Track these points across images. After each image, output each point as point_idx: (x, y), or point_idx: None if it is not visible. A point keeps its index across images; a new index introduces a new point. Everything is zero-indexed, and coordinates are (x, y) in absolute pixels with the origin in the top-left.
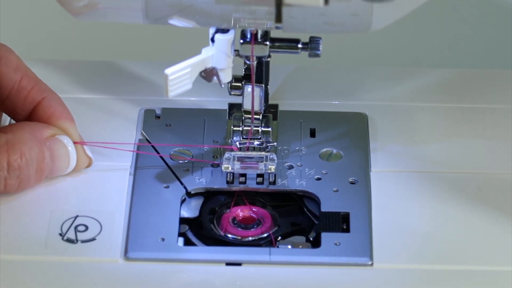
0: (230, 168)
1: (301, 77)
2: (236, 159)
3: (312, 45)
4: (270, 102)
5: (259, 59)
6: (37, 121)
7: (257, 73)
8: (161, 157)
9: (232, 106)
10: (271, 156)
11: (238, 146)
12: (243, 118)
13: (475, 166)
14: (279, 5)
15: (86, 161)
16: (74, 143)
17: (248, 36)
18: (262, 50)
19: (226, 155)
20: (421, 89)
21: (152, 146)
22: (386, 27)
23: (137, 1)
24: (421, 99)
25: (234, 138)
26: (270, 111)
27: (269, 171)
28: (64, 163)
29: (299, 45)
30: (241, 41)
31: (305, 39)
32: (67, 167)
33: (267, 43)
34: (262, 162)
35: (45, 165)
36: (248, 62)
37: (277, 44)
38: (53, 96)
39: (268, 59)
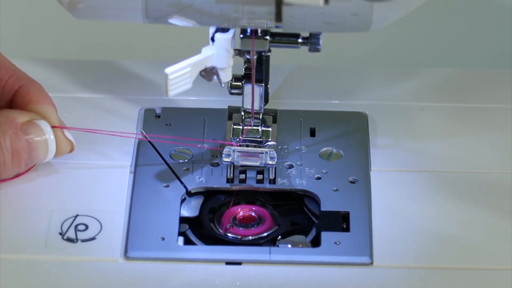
0: (230, 158)
1: (301, 77)
2: (236, 151)
3: (312, 40)
4: (270, 102)
5: (259, 54)
6: (15, 108)
7: (257, 72)
8: (161, 156)
9: (232, 110)
10: (271, 152)
11: (238, 144)
12: (243, 117)
13: (475, 166)
14: (279, 4)
15: (67, 145)
16: (52, 127)
17: (249, 30)
18: (262, 44)
19: (226, 148)
20: (421, 89)
21: (152, 145)
22: (386, 27)
23: (137, 0)
24: (421, 98)
25: (234, 137)
26: (270, 115)
27: (270, 162)
28: (42, 148)
29: (299, 40)
30: (241, 35)
31: (306, 34)
32: (47, 152)
33: (267, 37)
34: (262, 154)
35: (21, 149)
36: (248, 57)
37: (277, 38)
38: (31, 83)
39: (268, 54)
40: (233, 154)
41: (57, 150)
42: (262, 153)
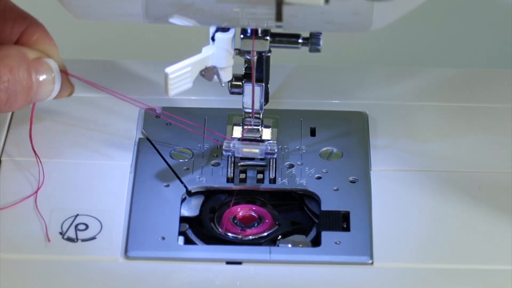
0: (231, 146)
1: (301, 77)
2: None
3: (312, 40)
4: (270, 101)
5: (260, 54)
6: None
7: (257, 72)
8: (162, 156)
9: (232, 116)
10: (271, 142)
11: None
12: (244, 117)
13: (476, 165)
14: (279, 4)
15: (68, 89)
16: (61, 71)
17: (249, 31)
18: (262, 45)
19: (226, 141)
20: (421, 89)
21: (152, 145)
22: (386, 26)
23: (137, 0)
24: (421, 98)
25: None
26: (270, 118)
27: (270, 151)
28: (49, 85)
29: (300, 40)
30: (242, 36)
31: (306, 34)
32: (52, 90)
33: (268, 38)
34: (263, 144)
35: (32, 83)
36: (248, 57)
37: (277, 39)
38: (36, 24)
39: (269, 54)
40: (233, 144)
41: (60, 90)
42: (264, 141)
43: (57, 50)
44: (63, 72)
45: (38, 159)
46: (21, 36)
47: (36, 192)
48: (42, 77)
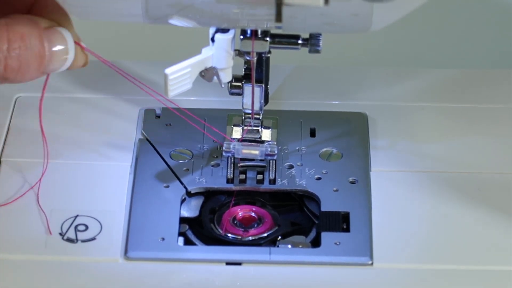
0: (231, 147)
1: (301, 77)
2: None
3: (312, 41)
4: (270, 102)
5: (259, 55)
6: None
7: (257, 73)
8: (161, 157)
9: (231, 117)
10: (271, 143)
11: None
12: (243, 118)
13: (475, 166)
14: (279, 5)
15: (82, 59)
16: (75, 42)
17: (249, 32)
18: (262, 46)
19: (226, 142)
20: (421, 89)
21: (152, 145)
22: (386, 27)
23: (137, 1)
24: (421, 99)
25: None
26: (270, 119)
27: (270, 152)
28: (62, 55)
29: (299, 41)
30: (241, 37)
31: (305, 35)
32: (65, 60)
33: (267, 39)
34: (263, 145)
35: (44, 52)
36: (248, 58)
37: (277, 40)
38: None
39: (268, 55)
40: (233, 145)
41: (73, 61)
42: (263, 142)
43: (70, 21)
44: (77, 43)
45: (44, 138)
46: (33, 6)
47: (37, 193)
48: (54, 47)
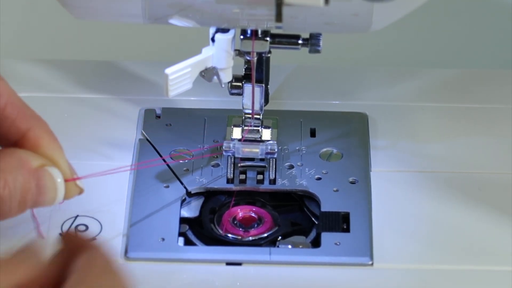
0: (231, 146)
1: (301, 77)
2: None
3: (312, 41)
4: (270, 102)
5: (260, 55)
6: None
7: (257, 73)
8: (161, 157)
9: (231, 117)
10: (271, 142)
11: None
12: (243, 118)
13: (475, 166)
14: (279, 5)
15: (76, 191)
16: (66, 180)
17: (249, 32)
18: (262, 46)
19: (226, 141)
20: (421, 89)
21: (152, 145)
22: (386, 27)
23: (137, 1)
24: (421, 99)
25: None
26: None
27: (270, 151)
28: (50, 196)
29: (300, 41)
30: (242, 37)
31: (306, 35)
32: (54, 200)
33: (268, 39)
34: (263, 143)
35: (29, 197)
36: (248, 58)
37: (277, 40)
38: (40, 124)
39: (269, 55)
40: (233, 144)
41: (65, 195)
42: (263, 142)
43: (63, 155)
44: (72, 180)
45: None
46: (23, 139)
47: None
48: (42, 188)
